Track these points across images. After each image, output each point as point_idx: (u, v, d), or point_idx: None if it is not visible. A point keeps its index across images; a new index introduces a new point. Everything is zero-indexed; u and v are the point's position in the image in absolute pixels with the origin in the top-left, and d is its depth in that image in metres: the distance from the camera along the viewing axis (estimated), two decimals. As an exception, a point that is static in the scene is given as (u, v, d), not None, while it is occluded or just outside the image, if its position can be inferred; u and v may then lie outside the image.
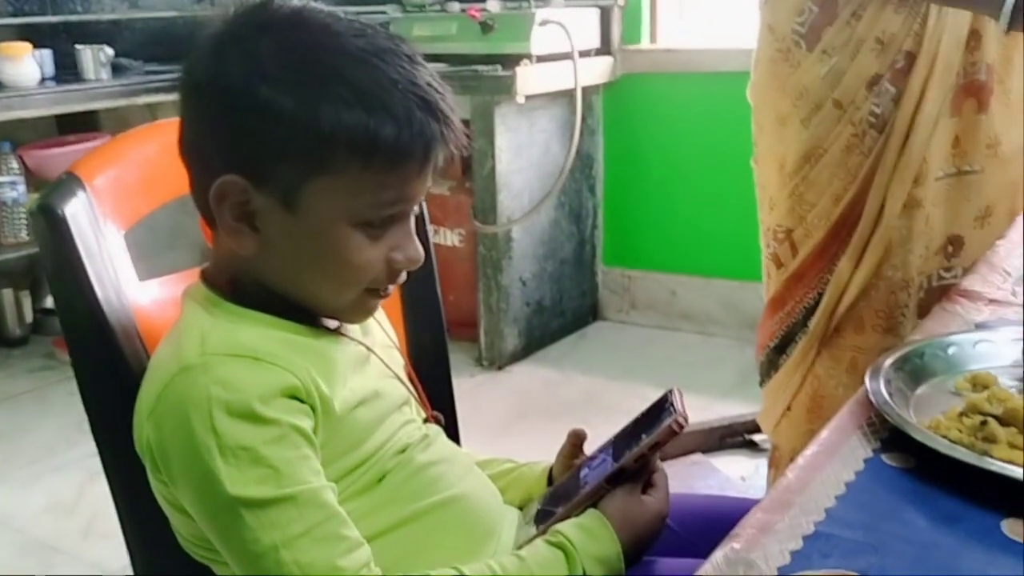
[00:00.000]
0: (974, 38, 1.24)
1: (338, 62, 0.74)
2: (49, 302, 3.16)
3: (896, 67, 1.23)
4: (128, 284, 0.87)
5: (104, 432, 0.88)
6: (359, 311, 0.84)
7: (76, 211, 0.84)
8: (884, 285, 1.27)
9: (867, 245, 1.27)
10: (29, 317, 3.15)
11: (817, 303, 1.31)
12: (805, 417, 1.36)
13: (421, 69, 0.77)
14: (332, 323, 0.84)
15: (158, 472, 0.76)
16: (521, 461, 1.00)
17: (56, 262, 0.84)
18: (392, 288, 0.83)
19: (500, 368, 2.86)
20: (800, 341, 1.33)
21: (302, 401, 0.74)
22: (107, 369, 0.85)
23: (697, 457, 2.25)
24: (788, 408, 1.37)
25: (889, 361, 0.83)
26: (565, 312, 3.12)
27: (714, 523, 0.71)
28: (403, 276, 0.82)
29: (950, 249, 1.28)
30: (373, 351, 0.86)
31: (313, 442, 0.75)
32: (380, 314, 0.93)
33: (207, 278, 0.83)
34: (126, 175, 0.91)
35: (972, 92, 1.25)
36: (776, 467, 1.45)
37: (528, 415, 2.57)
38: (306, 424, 0.74)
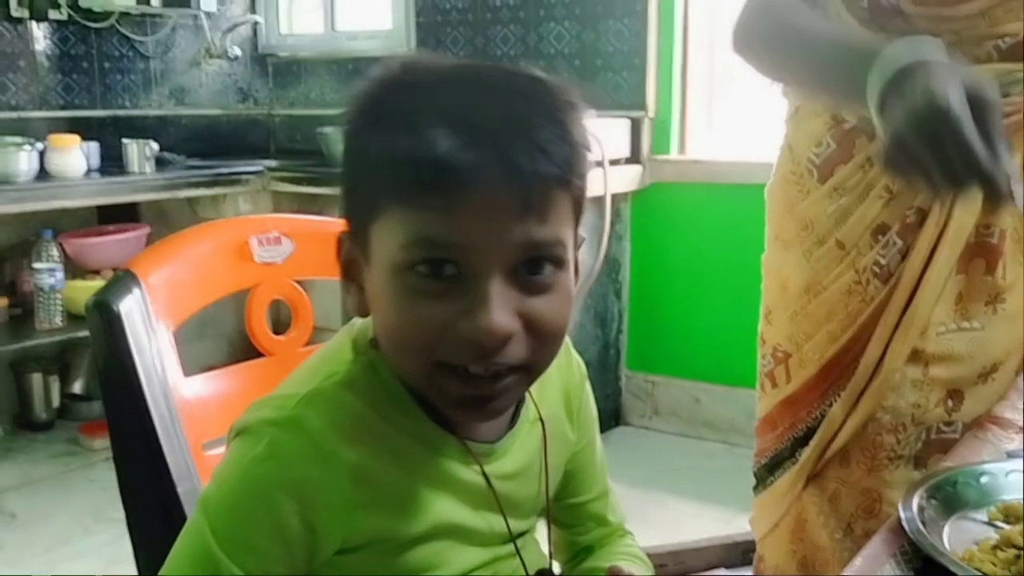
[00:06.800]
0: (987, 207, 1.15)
1: (436, 94, 0.66)
2: (77, 387, 3.19)
3: (906, 221, 1.18)
4: (175, 381, 0.89)
5: (141, 528, 0.88)
6: (443, 396, 0.68)
7: (131, 308, 0.86)
8: (872, 426, 1.22)
9: (863, 393, 1.22)
10: (56, 402, 3.17)
11: (806, 435, 1.28)
12: (788, 538, 1.32)
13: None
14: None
15: None
16: None
17: (107, 357, 0.86)
18: (479, 369, 0.65)
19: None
20: (788, 470, 1.30)
21: None
22: (149, 468, 0.86)
23: (720, 572, 2.21)
24: (776, 525, 1.34)
25: (922, 489, 0.83)
26: (588, 416, 3.10)
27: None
28: (498, 355, 0.64)
29: (950, 404, 1.21)
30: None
31: None
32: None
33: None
34: (179, 273, 0.93)
35: (982, 253, 1.19)
36: None
37: (548, 520, 2.54)
38: None
